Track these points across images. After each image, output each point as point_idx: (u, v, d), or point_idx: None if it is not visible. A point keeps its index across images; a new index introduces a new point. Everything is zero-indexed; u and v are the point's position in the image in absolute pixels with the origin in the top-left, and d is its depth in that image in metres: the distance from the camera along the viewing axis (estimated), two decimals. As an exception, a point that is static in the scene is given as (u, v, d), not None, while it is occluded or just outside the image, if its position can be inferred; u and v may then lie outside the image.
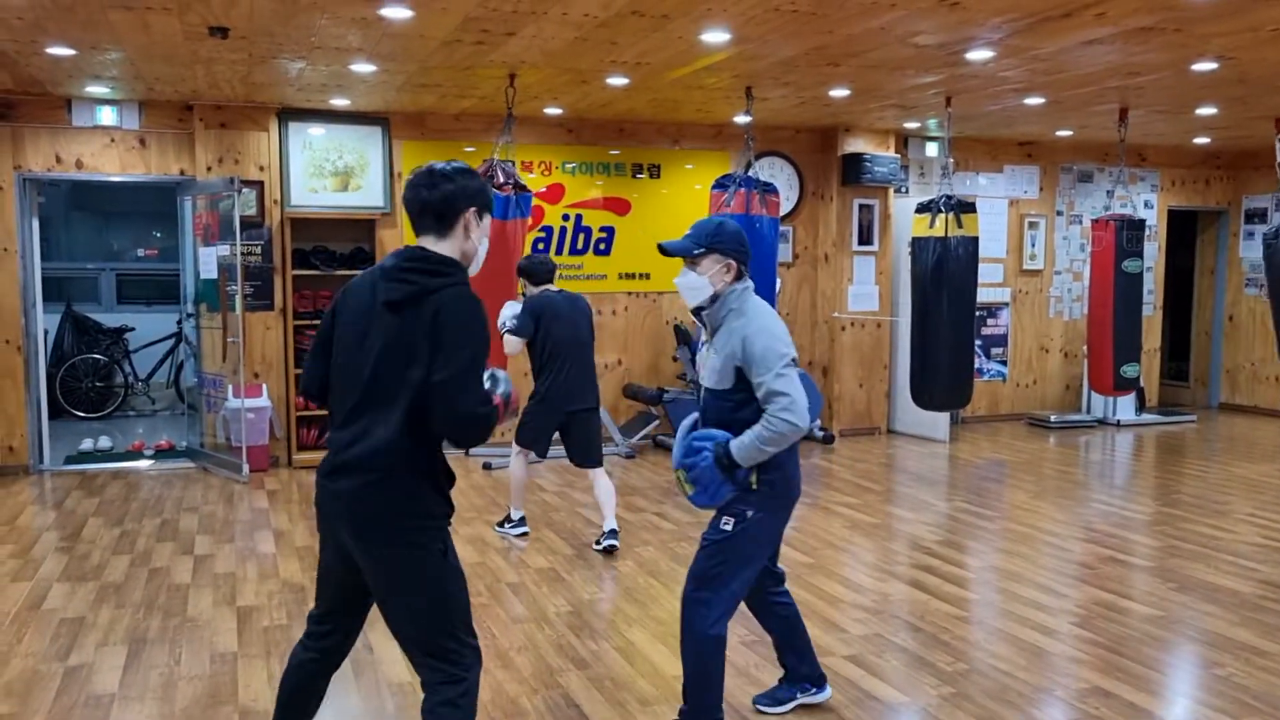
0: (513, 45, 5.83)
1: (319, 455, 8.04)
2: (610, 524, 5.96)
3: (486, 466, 8.12)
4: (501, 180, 6.72)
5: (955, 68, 6.44)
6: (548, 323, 5.84)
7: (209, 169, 7.88)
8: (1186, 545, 6.04)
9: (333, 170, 8.25)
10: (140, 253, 12.23)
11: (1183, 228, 11.73)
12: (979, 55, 6.05)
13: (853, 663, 4.29)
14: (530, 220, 6.89)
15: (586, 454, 6.04)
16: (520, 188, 6.82)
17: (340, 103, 7.85)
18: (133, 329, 10.96)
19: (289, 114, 8.10)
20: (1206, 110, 8.21)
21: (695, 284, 3.54)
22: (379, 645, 4.47)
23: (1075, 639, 4.56)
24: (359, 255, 8.36)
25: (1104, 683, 4.07)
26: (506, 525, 6.32)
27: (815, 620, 4.77)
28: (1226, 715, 3.79)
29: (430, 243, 2.75)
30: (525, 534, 6.28)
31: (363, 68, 6.45)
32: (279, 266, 8.07)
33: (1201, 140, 10.26)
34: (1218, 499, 7.23)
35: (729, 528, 3.50)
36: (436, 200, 2.72)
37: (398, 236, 8.48)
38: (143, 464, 8.22)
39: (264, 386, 7.99)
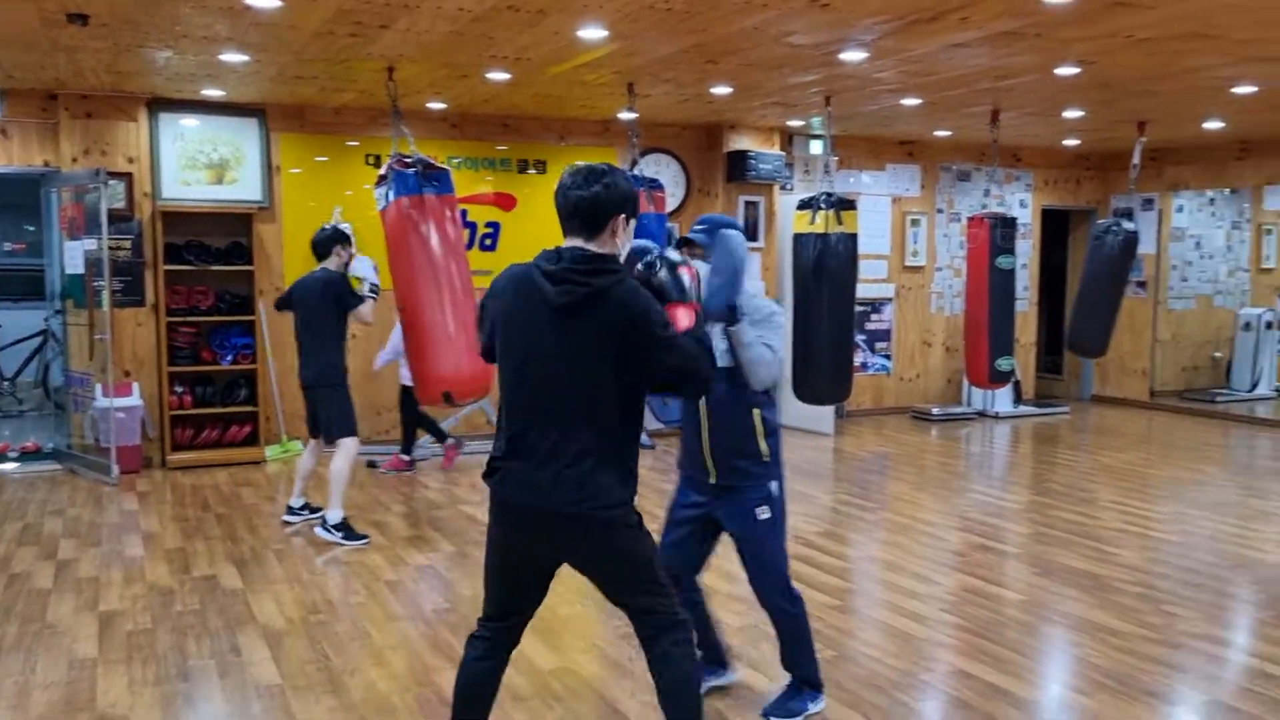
0: (388, 38, 5.75)
1: (195, 455, 7.88)
2: (332, 515, 6.06)
3: (371, 465, 8.00)
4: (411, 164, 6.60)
5: (831, 68, 6.56)
6: (295, 302, 6.21)
7: (74, 160, 7.59)
8: (1053, 532, 6.26)
9: (207, 163, 8.03)
10: (7, 247, 11.73)
11: (1056, 226, 12.15)
12: (852, 56, 6.18)
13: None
14: (454, 196, 6.71)
15: (314, 427, 6.27)
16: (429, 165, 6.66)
17: (213, 93, 7.64)
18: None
19: (160, 104, 7.85)
20: (1074, 113, 8.51)
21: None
22: (247, 647, 4.37)
23: (944, 625, 4.69)
24: (236, 250, 8.15)
25: (968, 666, 4.20)
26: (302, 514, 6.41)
27: (692, 612, 4.81)
28: (1079, 693, 3.94)
29: (579, 243, 2.78)
30: (289, 523, 6.36)
31: (233, 58, 6.29)
32: (150, 261, 7.83)
33: (1071, 142, 10.64)
34: (1085, 487, 7.51)
35: (766, 515, 3.61)
36: (587, 202, 2.75)
37: (277, 231, 8.29)
38: (7, 466, 7.89)
39: (135, 385, 7.74)
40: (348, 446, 6.11)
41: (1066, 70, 6.61)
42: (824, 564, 5.65)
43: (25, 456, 8.10)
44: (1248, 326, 11.93)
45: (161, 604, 4.90)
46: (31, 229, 11.82)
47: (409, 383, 7.26)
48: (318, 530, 6.09)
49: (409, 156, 6.57)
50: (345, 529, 6.00)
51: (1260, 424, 10.62)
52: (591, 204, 2.75)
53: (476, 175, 8.96)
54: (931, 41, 5.78)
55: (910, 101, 7.93)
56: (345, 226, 8.24)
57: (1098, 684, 4.01)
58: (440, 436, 8.05)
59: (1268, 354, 11.87)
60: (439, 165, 6.71)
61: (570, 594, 5.13)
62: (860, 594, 5.20)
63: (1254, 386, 11.84)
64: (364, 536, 6.01)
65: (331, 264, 6.18)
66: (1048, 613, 4.86)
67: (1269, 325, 11.87)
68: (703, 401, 3.52)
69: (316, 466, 6.43)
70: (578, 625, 4.73)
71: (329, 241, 6.21)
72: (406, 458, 7.95)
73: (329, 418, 6.11)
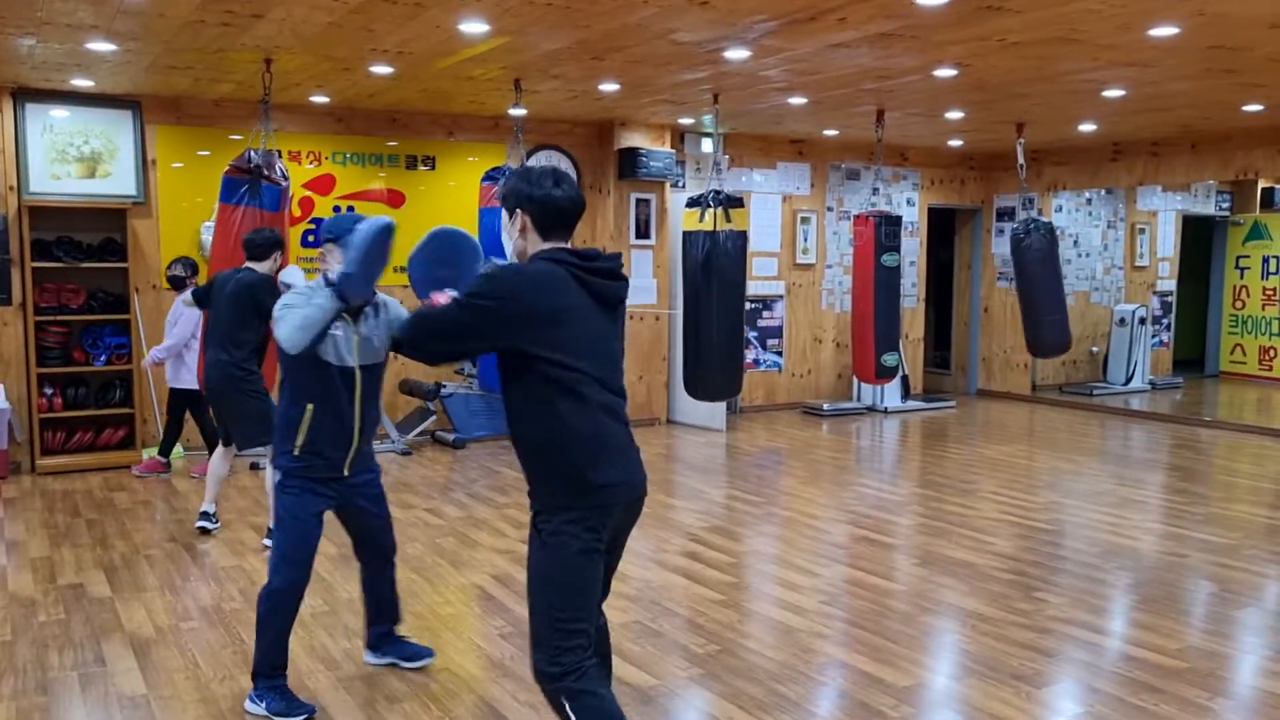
0: (262, 28, 5.61)
1: (67, 460, 7.58)
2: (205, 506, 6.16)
3: (254, 467, 7.80)
4: (270, 171, 6.47)
5: (717, 65, 6.61)
6: (211, 298, 5.87)
7: (-66, 152, 7.25)
8: (935, 523, 6.41)
9: (78, 156, 7.73)
10: None
11: (943, 225, 12.45)
12: (737, 54, 6.23)
13: (608, 649, 4.33)
14: (281, 212, 6.64)
15: (233, 431, 5.97)
16: (270, 178, 6.54)
17: (83, 83, 7.36)
18: None
19: (25, 94, 7.53)
20: (955, 114, 8.72)
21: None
22: (112, 657, 4.22)
23: (821, 616, 4.75)
24: (110, 246, 7.86)
25: (844, 656, 4.26)
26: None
27: (575, 609, 4.79)
28: (949, 678, 4.04)
29: (570, 240, 2.94)
30: (205, 529, 6.17)
31: (101, 46, 6.06)
32: (17, 258, 7.51)
33: (955, 142, 10.91)
34: (966, 479, 7.70)
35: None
36: (581, 206, 2.96)
37: (153, 226, 8.03)
38: None
39: (1, 387, 7.42)
40: (229, 452, 6.06)
41: (944, 72, 6.76)
42: (711, 559, 5.69)
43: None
44: (1122, 322, 12.39)
45: (23, 615, 4.70)
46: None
47: (180, 385, 7.45)
48: (201, 524, 6.10)
49: (254, 163, 6.44)
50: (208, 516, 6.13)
51: (1134, 416, 11.03)
52: (582, 208, 2.97)
53: (365, 171, 8.81)
54: (812, 41, 5.86)
55: (797, 100, 8.04)
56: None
57: (970, 670, 4.12)
58: (167, 450, 7.77)
59: (1141, 349, 12.34)
60: (275, 181, 6.56)
61: (450, 592, 5.08)
62: (745, 588, 5.24)
63: (1129, 380, 12.30)
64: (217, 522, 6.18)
65: (263, 267, 5.74)
66: (925, 602, 4.96)
67: (1142, 321, 12.34)
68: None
69: (228, 472, 6.28)
70: (457, 624, 4.68)
71: (271, 245, 5.76)
72: (163, 459, 7.75)
73: (236, 422, 5.79)
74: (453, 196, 9.13)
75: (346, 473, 3.77)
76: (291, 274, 6.23)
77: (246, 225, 6.34)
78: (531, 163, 7.44)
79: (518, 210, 2.91)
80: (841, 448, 9.32)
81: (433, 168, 9.08)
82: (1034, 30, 5.58)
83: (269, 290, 5.60)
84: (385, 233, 3.40)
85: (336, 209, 8.64)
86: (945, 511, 6.69)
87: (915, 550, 5.82)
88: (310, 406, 3.64)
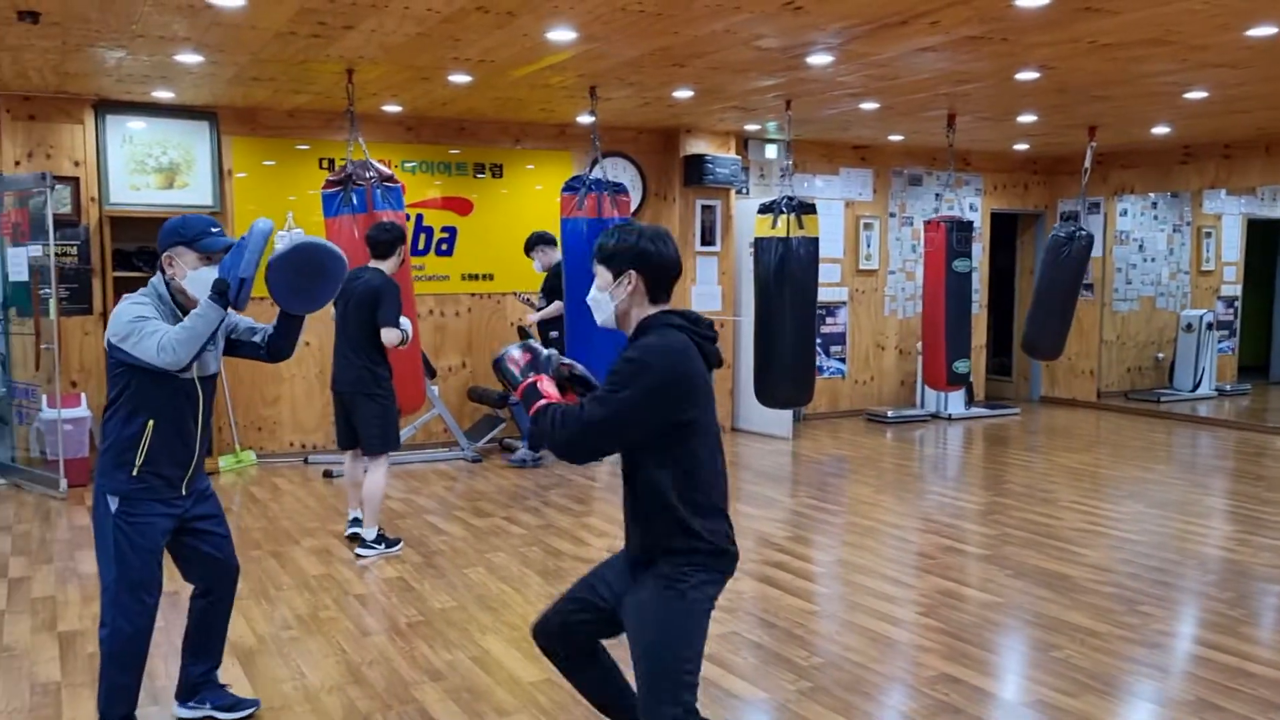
0: (351, 39, 5.63)
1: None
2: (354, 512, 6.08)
3: (328, 474, 7.84)
4: (365, 175, 6.52)
5: (796, 71, 6.56)
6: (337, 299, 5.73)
7: (17, 164, 7.34)
8: (1019, 533, 6.31)
9: (156, 167, 7.81)
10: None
11: (1004, 229, 12.31)
12: (819, 60, 6.18)
13: (711, 661, 4.28)
14: (403, 213, 6.77)
15: (360, 439, 5.89)
16: (387, 179, 6.62)
17: (164, 95, 7.43)
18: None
19: (106, 106, 7.62)
20: (1027, 118, 8.62)
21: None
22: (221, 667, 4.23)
23: (921, 627, 4.68)
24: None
25: (950, 669, 4.19)
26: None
27: (672, 620, 4.76)
28: (1066, 695, 3.95)
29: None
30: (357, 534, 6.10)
31: (189, 58, 6.12)
32: (98, 268, 7.60)
33: (1021, 146, 10.79)
34: (1044, 488, 7.58)
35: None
36: None
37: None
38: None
39: (83, 395, 7.50)
40: (383, 464, 5.85)
41: (1026, 75, 6.68)
42: (799, 569, 5.63)
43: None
44: (1189, 328, 12.19)
45: (124, 623, 4.73)
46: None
47: None
48: (358, 551, 5.89)
49: (369, 172, 6.50)
50: (383, 540, 5.96)
51: (1203, 423, 10.84)
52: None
53: (431, 179, 8.84)
54: (898, 45, 5.80)
55: (869, 106, 7.97)
56: (298, 232, 8.09)
57: (1084, 685, 4.03)
58: None
59: (1208, 355, 12.14)
60: (394, 182, 6.66)
61: (542, 603, 5.04)
62: (834, 598, 5.18)
63: (1196, 386, 12.10)
64: (398, 540, 6.04)
65: (388, 265, 5.70)
66: (1024, 614, 4.88)
67: (1209, 326, 12.14)
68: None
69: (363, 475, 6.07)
70: (556, 636, 4.64)
71: (395, 241, 5.70)
72: None
73: (365, 427, 5.78)
74: (520, 203, 9.14)
75: (185, 492, 3.51)
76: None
77: (345, 235, 6.39)
78: (599, 171, 7.40)
79: (631, 270, 2.81)
80: (909, 455, 9.23)
81: (499, 175, 9.09)
82: (1127, 32, 5.49)
83: (395, 292, 5.64)
84: (267, 237, 3.35)
85: (407, 218, 8.66)
86: (1029, 521, 6.59)
87: (1006, 561, 5.72)
88: (151, 422, 3.35)
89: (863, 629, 4.68)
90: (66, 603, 5.03)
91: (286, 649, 4.45)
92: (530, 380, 2.89)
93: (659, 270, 2.82)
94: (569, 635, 3.10)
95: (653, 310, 2.84)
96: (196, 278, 3.36)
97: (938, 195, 11.23)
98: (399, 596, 5.15)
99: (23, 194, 7.23)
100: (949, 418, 10.81)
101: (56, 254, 7.18)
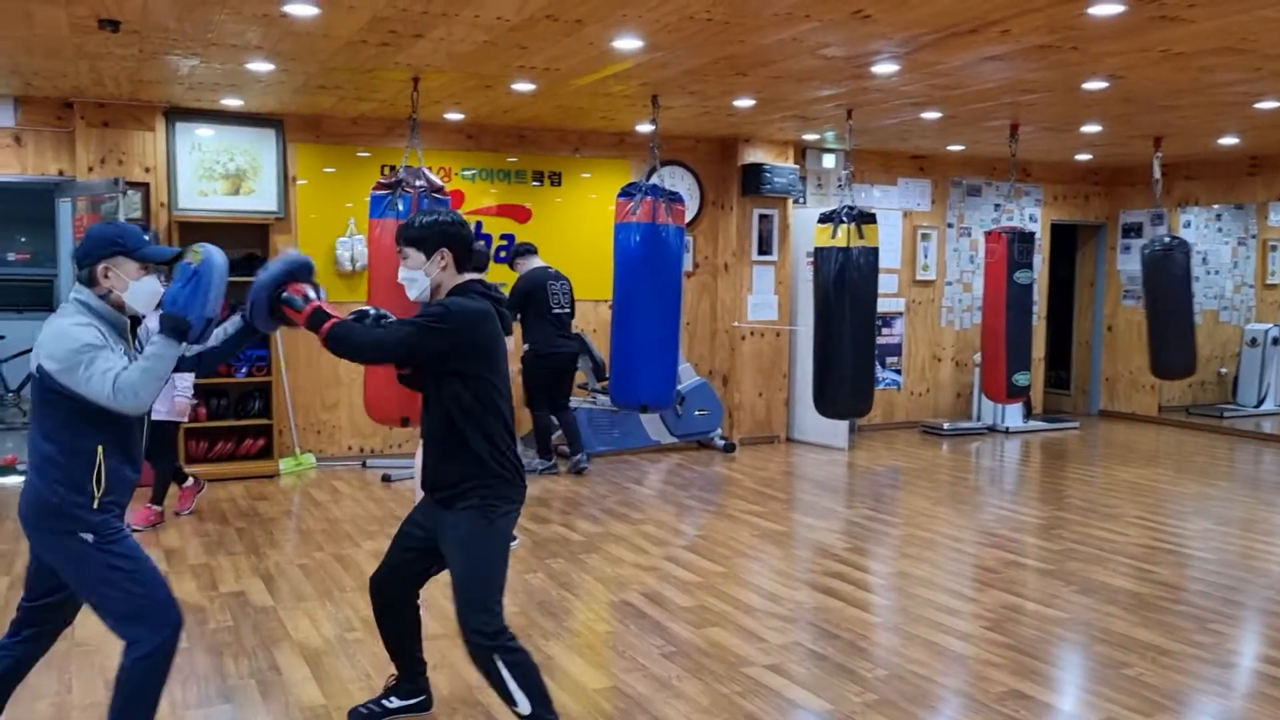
0: (419, 47, 5.69)
1: (210, 468, 7.77)
2: None
3: (386, 479, 7.91)
4: (415, 183, 6.57)
5: (860, 80, 6.53)
6: None
7: (90, 170, 7.50)
8: (1082, 548, 6.21)
9: (224, 173, 7.94)
10: (11, 257, 11.59)
11: (1064, 241, 12.15)
12: (884, 68, 6.14)
13: (774, 672, 4.27)
14: None
15: None
16: (436, 190, 6.67)
17: (232, 103, 7.57)
18: (3, 337, 10.39)
19: (177, 113, 7.77)
20: (1091, 127, 8.51)
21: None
22: (286, 666, 4.28)
23: (987, 642, 4.63)
24: (252, 260, 8.04)
25: (1020, 685, 4.14)
26: None
27: (733, 630, 4.75)
28: (1140, 714, 3.88)
29: None
30: None
31: (260, 67, 6.22)
32: (168, 273, 7.72)
33: (1083, 157, 10.65)
34: (1107, 503, 7.47)
35: None
36: None
37: (292, 242, 8.21)
38: (15, 480, 7.76)
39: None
40: None
41: (1093, 84, 6.59)
42: (860, 580, 5.59)
43: (35, 469, 7.96)
44: (1254, 342, 11.95)
45: (194, 621, 4.79)
46: (24, 239, 11.70)
47: (164, 417, 6.38)
48: None
49: (420, 181, 6.55)
50: None
51: (1268, 440, 10.62)
52: None
53: (489, 187, 8.90)
54: (966, 54, 5.76)
55: (931, 115, 7.91)
56: (360, 238, 8.21)
57: (1157, 705, 3.96)
58: (180, 478, 6.86)
59: (1274, 370, 11.88)
60: (444, 193, 6.71)
61: (603, 610, 5.06)
62: (901, 611, 5.13)
63: (1260, 402, 11.85)
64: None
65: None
66: (1092, 630, 4.80)
67: (1275, 341, 11.89)
68: None
69: None
70: (617, 643, 4.65)
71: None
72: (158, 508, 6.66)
73: None
74: (578, 212, 9.18)
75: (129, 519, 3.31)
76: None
77: (386, 238, 6.45)
78: (656, 179, 7.41)
79: (443, 248, 3.39)
80: (966, 468, 9.14)
81: (558, 184, 9.14)
82: (1201, 40, 5.41)
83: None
84: (226, 275, 3.21)
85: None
86: (1092, 536, 6.49)
87: (1071, 576, 5.64)
88: (101, 448, 3.04)
89: (925, 642, 4.64)
90: (137, 600, 5.10)
91: (352, 650, 4.49)
92: (316, 304, 3.33)
93: (463, 245, 3.44)
94: (395, 576, 3.67)
95: (459, 280, 3.44)
96: (138, 288, 3.13)
97: (997, 206, 11.13)
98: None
99: (95, 199, 7.38)
100: (1006, 431, 10.68)
101: (147, 263, 7.28)
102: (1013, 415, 10.76)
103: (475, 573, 3.40)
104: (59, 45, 5.68)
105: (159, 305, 3.17)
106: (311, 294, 3.35)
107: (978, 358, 9.96)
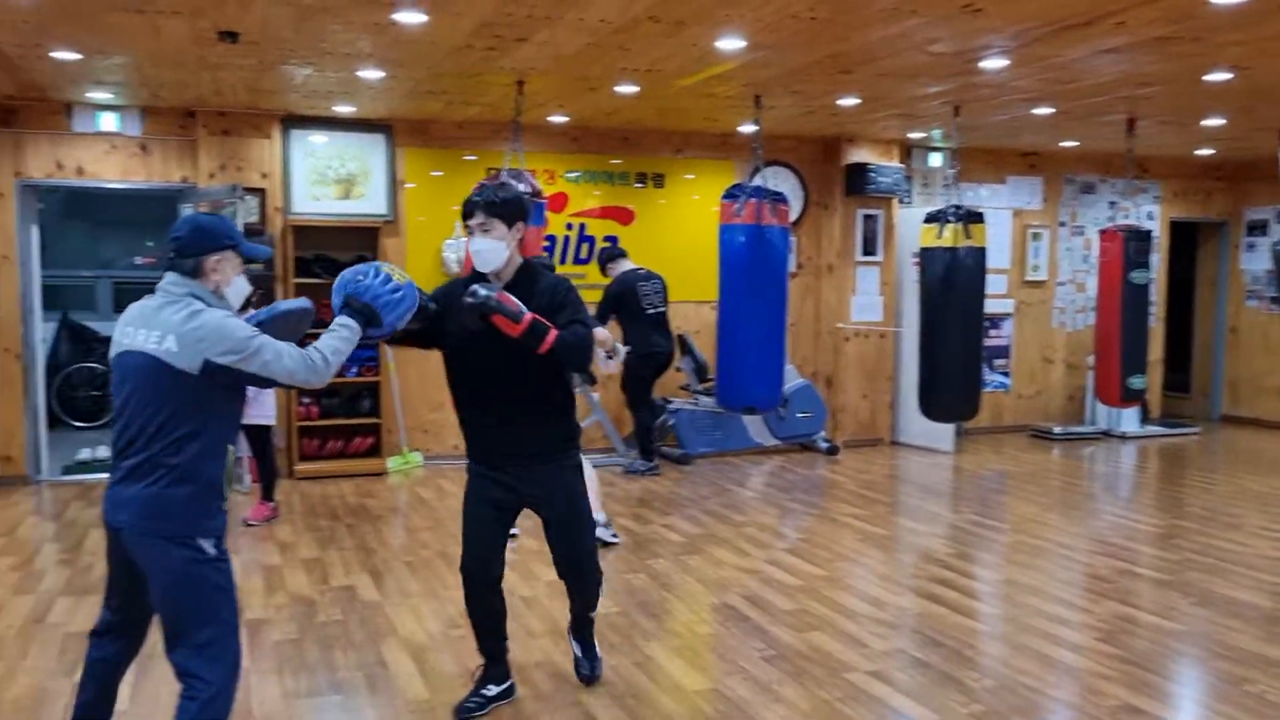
0: (524, 51, 5.77)
1: (321, 465, 8.00)
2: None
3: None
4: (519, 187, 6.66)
5: (968, 76, 6.40)
6: None
7: (211, 176, 7.79)
8: (1202, 558, 5.98)
9: (335, 178, 8.17)
10: (137, 260, 12.11)
11: (1183, 239, 11.71)
12: (994, 64, 6.01)
13: (877, 679, 4.21)
14: (545, 227, 6.92)
15: None
16: (533, 193, 6.75)
17: (344, 110, 7.77)
18: (129, 338, 10.83)
19: (292, 121, 8.02)
20: (1213, 121, 8.19)
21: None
22: (393, 661, 4.38)
23: (1100, 654, 4.48)
24: (361, 263, 8.25)
25: (1134, 699, 4.00)
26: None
27: (835, 635, 4.69)
28: (1263, 733, 3.73)
29: None
30: (512, 535, 6.24)
31: (370, 74, 6.38)
32: (281, 275, 7.98)
33: (1204, 151, 10.25)
34: (1229, 512, 7.17)
35: None
36: None
37: (400, 244, 8.40)
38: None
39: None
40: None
41: (1216, 76, 6.34)
42: (962, 586, 5.48)
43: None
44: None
45: (305, 614, 4.95)
46: (150, 244, 12.21)
47: (262, 421, 6.59)
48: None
49: (520, 184, 6.63)
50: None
51: None
52: None
53: (592, 189, 8.97)
54: (1079, 47, 5.59)
55: (1042, 111, 7.71)
56: (462, 241, 8.34)
57: (1282, 723, 3.79)
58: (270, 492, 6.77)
59: None
60: (541, 197, 6.78)
61: (705, 612, 5.05)
62: (1005, 619, 5.01)
63: (1398, 407, 11.24)
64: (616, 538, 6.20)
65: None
66: (1211, 644, 4.62)
67: None
68: None
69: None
70: (717, 645, 4.64)
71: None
72: (271, 503, 6.79)
73: None
74: (681, 213, 9.19)
75: None
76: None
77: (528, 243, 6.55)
78: (759, 180, 7.36)
79: (520, 222, 3.58)
80: (1078, 473, 8.87)
81: (661, 185, 9.16)
82: (1333, 29, 5.16)
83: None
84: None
85: (570, 226, 8.84)
86: (1213, 547, 6.24)
87: (1189, 587, 5.43)
88: (230, 449, 3.05)
89: (1035, 652, 4.51)
90: (252, 592, 5.27)
91: (456, 646, 4.56)
92: (531, 315, 3.46)
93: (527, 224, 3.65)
94: (488, 557, 3.87)
95: (521, 259, 3.65)
96: (238, 285, 3.17)
97: (1112, 203, 10.79)
98: (562, 601, 5.19)
99: (216, 204, 7.65)
100: (1122, 436, 10.34)
101: (246, 261, 7.55)
102: (1129, 419, 10.41)
103: (589, 511, 3.92)
104: (183, 57, 5.91)
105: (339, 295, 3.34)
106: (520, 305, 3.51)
107: (1091, 360, 9.67)
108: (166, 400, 2.91)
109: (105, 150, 7.73)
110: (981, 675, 4.25)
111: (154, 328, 2.93)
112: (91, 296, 11.35)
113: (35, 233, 7.87)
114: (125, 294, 11.51)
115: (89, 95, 7.26)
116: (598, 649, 4.22)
